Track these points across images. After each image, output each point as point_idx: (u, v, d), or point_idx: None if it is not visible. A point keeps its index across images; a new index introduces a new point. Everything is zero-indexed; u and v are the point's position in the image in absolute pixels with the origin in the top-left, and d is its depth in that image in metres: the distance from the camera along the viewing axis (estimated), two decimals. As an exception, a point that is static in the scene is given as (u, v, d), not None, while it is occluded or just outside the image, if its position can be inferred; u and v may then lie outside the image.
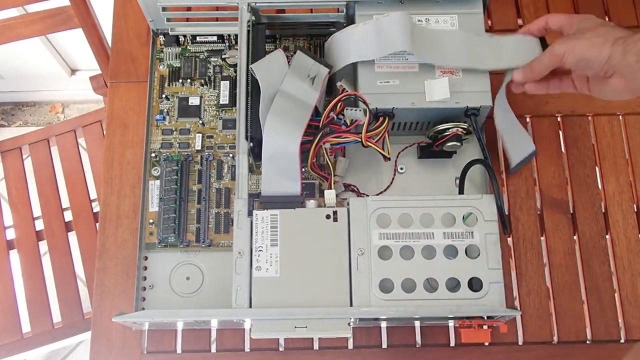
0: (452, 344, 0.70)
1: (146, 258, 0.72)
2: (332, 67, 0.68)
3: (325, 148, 0.67)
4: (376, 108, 0.65)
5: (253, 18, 0.71)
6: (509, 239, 0.74)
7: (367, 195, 0.71)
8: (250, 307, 0.60)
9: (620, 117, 0.80)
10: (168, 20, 0.76)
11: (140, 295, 0.70)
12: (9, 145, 1.18)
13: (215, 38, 0.79)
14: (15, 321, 1.05)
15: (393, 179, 0.73)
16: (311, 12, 0.77)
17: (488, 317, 0.62)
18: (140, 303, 0.70)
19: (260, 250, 0.61)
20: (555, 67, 0.62)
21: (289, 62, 0.68)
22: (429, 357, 0.70)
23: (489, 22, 0.85)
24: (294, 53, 0.69)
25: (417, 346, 0.71)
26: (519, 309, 0.71)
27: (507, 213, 0.74)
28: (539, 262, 0.73)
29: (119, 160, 0.76)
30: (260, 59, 0.67)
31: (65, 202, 1.13)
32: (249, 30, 0.69)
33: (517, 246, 0.74)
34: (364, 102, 0.64)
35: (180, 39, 0.79)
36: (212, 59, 0.79)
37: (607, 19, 0.85)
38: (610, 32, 0.57)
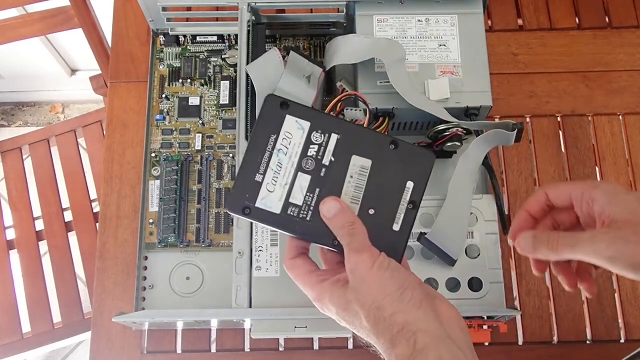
0: (452, 344, 0.70)
1: (146, 258, 0.72)
2: (325, 67, 0.68)
3: (325, 148, 0.67)
4: (376, 108, 0.65)
5: (253, 18, 0.71)
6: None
7: (367, 195, 0.70)
8: (250, 307, 0.60)
9: (620, 117, 0.80)
10: (168, 20, 0.76)
11: (140, 295, 0.70)
12: (9, 145, 1.18)
13: (215, 38, 0.79)
14: (15, 321, 1.04)
15: (393, 179, 0.73)
16: (311, 12, 0.77)
17: (488, 317, 0.62)
18: (140, 303, 0.70)
19: (260, 250, 0.61)
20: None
21: (284, 60, 0.68)
22: (429, 357, 0.70)
23: (489, 22, 0.85)
24: (287, 54, 0.69)
25: (417, 346, 0.71)
26: (519, 309, 0.71)
27: (507, 213, 0.74)
28: (539, 262, 0.73)
29: (119, 160, 0.76)
30: (260, 59, 0.67)
31: (65, 202, 1.13)
32: (249, 30, 0.69)
33: (517, 246, 0.74)
34: (364, 102, 0.64)
35: (180, 39, 0.79)
36: (212, 59, 0.79)
37: (607, 19, 0.85)
38: None
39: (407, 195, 0.42)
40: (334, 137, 0.42)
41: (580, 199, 0.45)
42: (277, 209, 0.42)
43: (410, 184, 0.42)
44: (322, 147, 0.42)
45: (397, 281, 0.40)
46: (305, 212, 0.42)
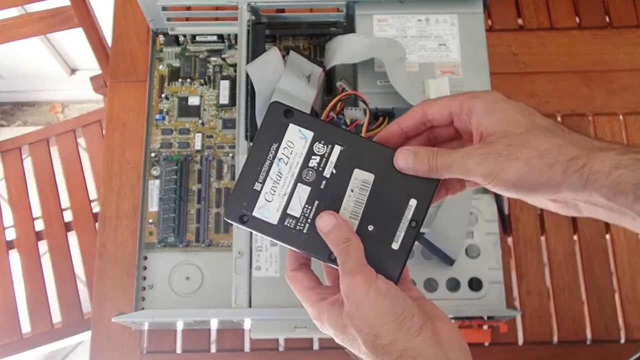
0: (452, 344, 0.70)
1: (146, 258, 0.72)
2: (326, 67, 0.68)
3: (325, 148, 0.67)
4: (376, 108, 0.65)
5: (253, 18, 0.71)
6: (509, 239, 0.74)
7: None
8: (250, 307, 0.60)
9: (621, 117, 0.80)
10: (168, 19, 0.76)
11: (140, 295, 0.70)
12: (9, 145, 1.18)
13: (215, 38, 0.78)
14: (15, 321, 1.04)
15: (393, 178, 0.73)
16: (311, 12, 0.77)
17: (488, 317, 0.62)
18: (140, 303, 0.70)
19: (260, 250, 0.61)
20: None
21: (284, 59, 0.68)
22: (429, 357, 0.70)
23: (489, 22, 0.85)
24: (287, 54, 0.69)
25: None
26: (519, 309, 0.71)
27: (507, 213, 0.74)
28: (539, 262, 0.73)
29: (118, 160, 0.76)
30: (260, 58, 0.67)
31: (65, 202, 1.13)
32: (248, 30, 0.69)
33: (517, 246, 0.74)
34: (364, 102, 0.64)
35: (180, 39, 0.79)
36: (211, 58, 0.79)
37: (607, 19, 0.85)
38: (554, 147, 0.36)
39: (409, 214, 0.41)
40: (337, 149, 0.41)
41: (460, 111, 0.40)
42: (274, 220, 0.41)
43: (413, 202, 0.41)
44: (324, 159, 0.41)
45: (395, 310, 0.37)
46: (302, 225, 0.41)
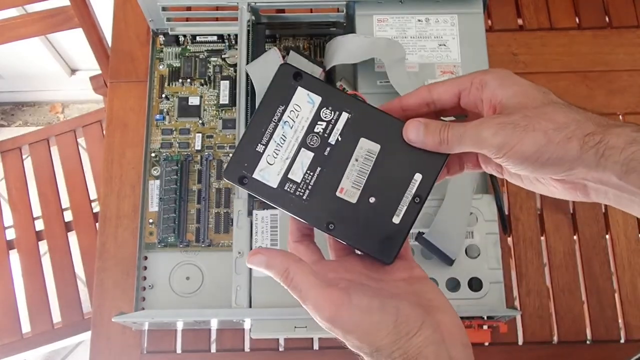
0: (452, 344, 0.70)
1: (146, 258, 0.72)
2: (326, 67, 0.68)
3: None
4: (376, 108, 0.65)
5: (253, 18, 0.71)
6: (509, 239, 0.74)
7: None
8: (250, 307, 0.60)
9: (621, 117, 0.80)
10: (168, 20, 0.76)
11: (140, 295, 0.70)
12: (9, 145, 1.18)
13: (215, 38, 0.79)
14: (15, 321, 1.04)
15: (393, 179, 0.73)
16: (311, 12, 0.77)
17: (488, 317, 0.62)
18: (140, 303, 0.70)
19: (260, 250, 0.61)
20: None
21: (284, 60, 0.68)
22: (429, 357, 0.70)
23: (489, 22, 0.85)
24: (287, 54, 0.69)
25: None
26: (519, 309, 0.71)
27: (507, 213, 0.74)
28: (539, 262, 0.73)
29: (119, 160, 0.76)
30: (260, 58, 0.67)
31: (65, 202, 1.13)
32: (248, 30, 0.69)
33: (517, 246, 0.74)
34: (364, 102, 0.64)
35: (180, 39, 0.79)
36: (212, 58, 0.79)
37: (607, 19, 0.85)
38: (572, 121, 0.35)
39: (413, 188, 0.40)
40: (344, 116, 0.40)
41: (469, 86, 0.39)
42: (274, 183, 0.40)
43: (418, 176, 0.40)
44: (330, 125, 0.40)
45: (387, 322, 0.35)
46: (302, 191, 0.40)
